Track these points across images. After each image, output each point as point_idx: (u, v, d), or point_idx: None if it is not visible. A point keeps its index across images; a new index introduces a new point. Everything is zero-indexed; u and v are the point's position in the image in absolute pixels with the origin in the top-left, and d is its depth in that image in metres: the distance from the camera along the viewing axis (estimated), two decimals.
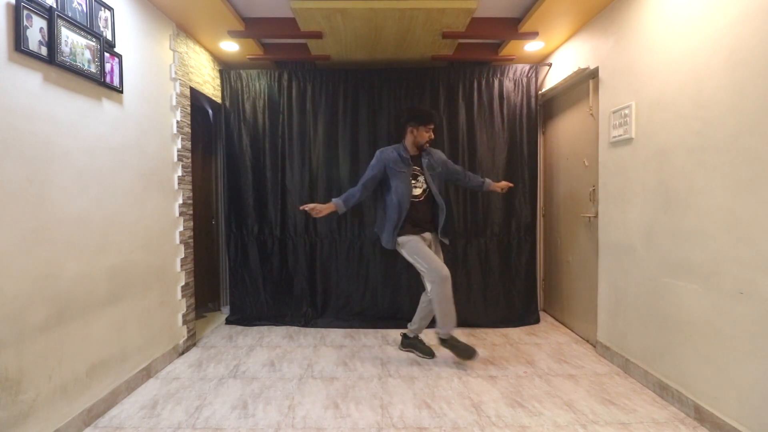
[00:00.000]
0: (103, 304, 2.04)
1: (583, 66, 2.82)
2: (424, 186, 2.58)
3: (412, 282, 3.31)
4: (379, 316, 3.33)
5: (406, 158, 2.55)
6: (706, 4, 1.85)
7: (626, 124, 2.39)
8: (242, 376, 2.44)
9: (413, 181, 2.56)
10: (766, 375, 1.59)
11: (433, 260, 2.42)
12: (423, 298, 2.64)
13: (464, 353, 2.49)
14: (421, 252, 2.45)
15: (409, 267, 3.28)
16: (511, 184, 2.81)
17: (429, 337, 2.81)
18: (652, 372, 2.21)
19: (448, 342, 2.55)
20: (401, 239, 2.52)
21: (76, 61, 1.85)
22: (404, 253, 2.53)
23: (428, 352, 2.67)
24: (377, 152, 2.61)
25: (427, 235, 2.59)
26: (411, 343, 2.74)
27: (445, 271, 2.40)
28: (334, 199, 2.59)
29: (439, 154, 2.70)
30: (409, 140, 2.58)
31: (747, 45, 1.65)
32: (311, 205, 2.52)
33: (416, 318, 2.68)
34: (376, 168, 2.57)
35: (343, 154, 3.40)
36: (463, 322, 3.30)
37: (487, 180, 2.77)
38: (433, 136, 2.60)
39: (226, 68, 3.50)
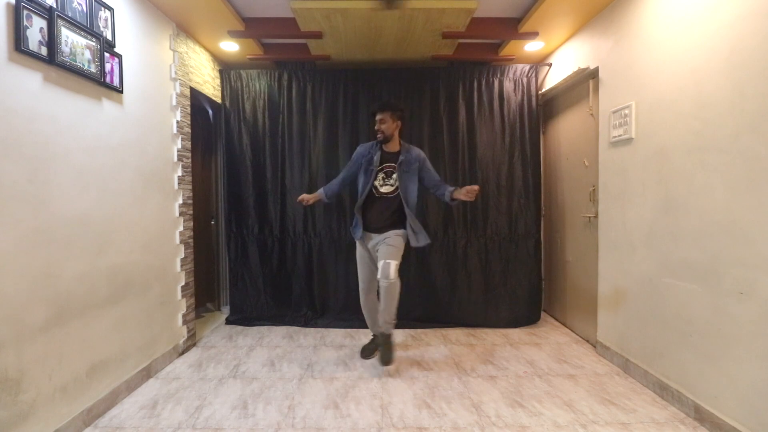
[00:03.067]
0: (103, 304, 2.04)
1: (583, 66, 2.82)
2: (397, 183, 2.50)
3: (411, 282, 3.32)
4: None
5: (375, 154, 2.50)
6: (706, 4, 1.85)
7: (626, 124, 2.39)
8: (242, 376, 2.44)
9: (385, 178, 2.50)
10: (766, 375, 1.59)
11: (361, 275, 2.62)
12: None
13: (385, 357, 2.45)
14: (359, 264, 2.63)
15: (408, 266, 3.29)
16: (476, 188, 2.34)
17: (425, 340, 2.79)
18: (652, 372, 2.21)
19: (377, 340, 2.63)
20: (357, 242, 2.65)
21: (76, 61, 1.85)
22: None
23: (387, 358, 2.46)
24: (358, 150, 2.63)
25: (376, 236, 2.52)
26: (382, 340, 2.56)
27: (364, 285, 2.61)
28: (320, 189, 2.69)
29: (416, 152, 2.56)
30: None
31: (747, 45, 1.65)
32: (300, 197, 2.62)
33: (382, 308, 2.56)
34: (351, 163, 2.63)
35: (342, 154, 3.40)
36: (463, 322, 3.32)
37: (449, 188, 2.50)
38: (379, 127, 2.47)
39: (226, 68, 3.50)
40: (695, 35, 1.91)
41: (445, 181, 3.33)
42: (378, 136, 2.50)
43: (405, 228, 2.53)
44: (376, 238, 2.53)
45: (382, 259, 2.40)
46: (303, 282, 3.44)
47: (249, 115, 3.43)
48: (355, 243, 3.43)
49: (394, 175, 2.50)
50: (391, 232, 2.51)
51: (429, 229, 3.30)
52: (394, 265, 2.38)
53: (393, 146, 2.55)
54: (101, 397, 2.00)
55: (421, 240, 2.53)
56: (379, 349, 2.49)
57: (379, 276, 2.39)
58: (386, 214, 2.52)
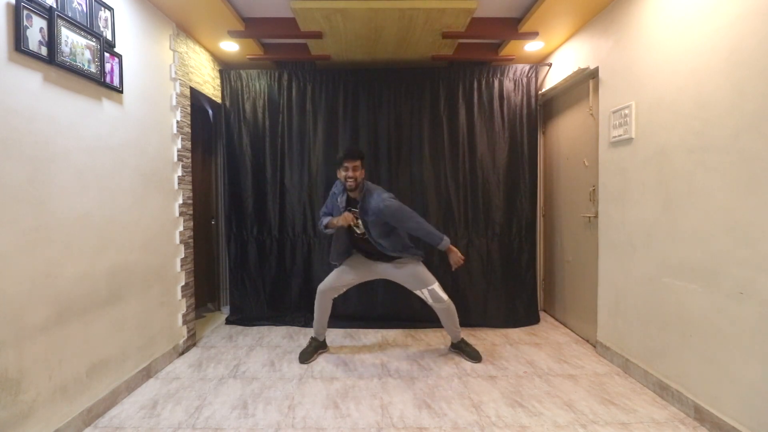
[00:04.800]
0: (103, 304, 2.04)
1: (583, 66, 2.82)
2: (362, 231, 2.50)
3: None
4: (378, 317, 3.33)
5: (341, 199, 2.51)
6: (705, 4, 1.85)
7: (626, 124, 2.39)
8: (242, 376, 2.44)
9: (356, 220, 2.45)
10: (766, 375, 1.59)
11: (333, 277, 2.64)
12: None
13: (475, 355, 2.64)
14: (339, 268, 2.66)
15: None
16: (461, 262, 2.47)
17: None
18: (652, 372, 2.21)
19: (315, 343, 2.73)
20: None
21: (76, 61, 1.85)
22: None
23: (475, 356, 2.64)
24: (332, 190, 2.65)
25: (374, 263, 2.60)
26: (457, 346, 2.74)
27: (326, 283, 2.64)
28: (326, 222, 2.56)
29: (375, 201, 2.36)
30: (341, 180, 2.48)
31: (747, 45, 1.65)
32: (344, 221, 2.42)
33: (445, 326, 2.69)
34: (331, 199, 2.63)
35: None
36: (463, 322, 3.30)
37: (446, 241, 2.44)
38: (354, 174, 2.35)
39: (226, 68, 3.50)
40: (695, 35, 1.91)
41: (446, 180, 3.36)
42: (349, 184, 2.37)
43: (411, 253, 2.54)
44: (379, 265, 2.58)
45: (422, 287, 2.53)
46: (303, 282, 3.44)
47: (249, 115, 3.43)
48: None
49: (360, 221, 2.46)
50: (400, 264, 2.55)
51: None
52: (437, 286, 2.54)
53: (355, 193, 2.46)
54: (101, 397, 2.00)
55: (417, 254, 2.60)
56: (465, 352, 2.67)
57: (431, 302, 2.56)
58: (373, 249, 2.54)
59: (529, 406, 2.08)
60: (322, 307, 2.68)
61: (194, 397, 2.20)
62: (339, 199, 2.53)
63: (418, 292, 2.58)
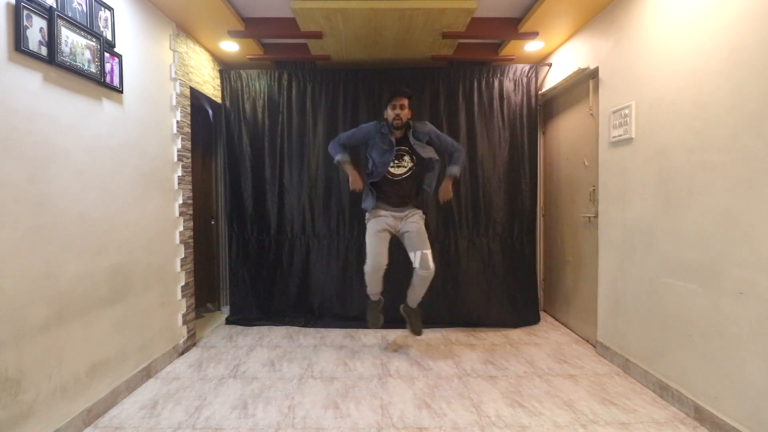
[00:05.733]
0: (103, 303, 2.04)
1: (583, 66, 2.82)
2: (410, 165, 2.56)
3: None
4: None
5: (386, 136, 2.52)
6: (705, 4, 1.85)
7: (626, 124, 2.39)
8: (242, 376, 2.44)
9: (396, 161, 2.54)
10: (766, 375, 1.59)
11: (373, 254, 2.55)
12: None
13: (415, 328, 2.70)
14: (371, 241, 2.57)
15: (408, 266, 3.28)
16: (448, 198, 2.64)
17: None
18: (652, 372, 2.21)
19: (405, 313, 2.75)
20: (368, 216, 2.65)
21: (76, 61, 1.85)
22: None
23: (417, 330, 2.71)
24: (368, 124, 2.63)
25: (396, 215, 2.59)
26: (409, 312, 2.74)
27: (376, 263, 2.53)
28: (342, 159, 2.59)
29: (425, 127, 2.61)
30: (388, 120, 2.53)
31: (747, 45, 1.65)
32: (354, 185, 2.54)
33: (413, 291, 2.68)
34: (360, 133, 2.61)
35: None
36: (464, 322, 3.32)
37: (452, 167, 2.63)
38: (401, 112, 2.46)
39: (226, 68, 3.50)
40: (695, 35, 1.91)
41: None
42: (396, 121, 2.47)
43: (422, 207, 2.66)
44: (396, 214, 2.59)
45: (419, 249, 2.54)
46: (302, 282, 3.44)
47: (249, 115, 3.43)
48: (353, 243, 3.43)
49: (406, 157, 2.55)
50: (414, 214, 2.61)
51: (429, 229, 3.30)
52: (430, 254, 2.55)
53: (399, 132, 2.56)
54: (101, 397, 2.00)
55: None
56: (410, 322, 2.70)
57: (417, 266, 2.54)
58: (403, 192, 2.60)
59: (529, 406, 2.08)
60: (373, 281, 2.60)
61: (194, 397, 2.20)
62: (380, 140, 2.52)
63: (413, 254, 2.55)
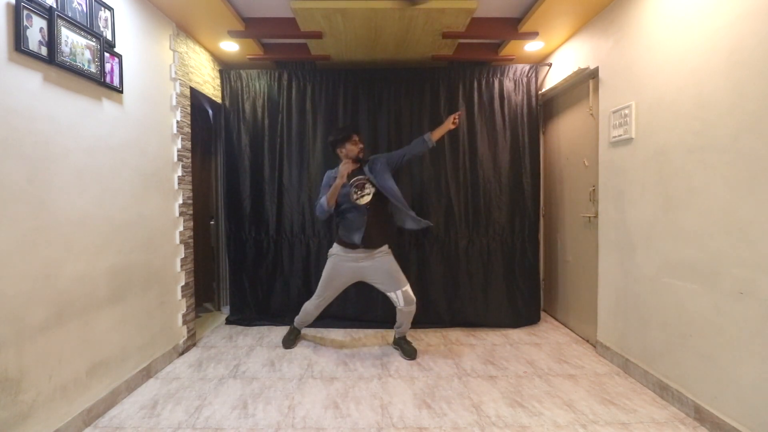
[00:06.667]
0: (103, 304, 2.04)
1: (583, 66, 2.82)
2: (373, 190, 2.57)
3: (412, 282, 3.31)
4: (378, 317, 3.32)
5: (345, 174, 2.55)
6: (706, 4, 1.85)
7: (626, 124, 2.39)
8: (242, 376, 2.44)
9: (358, 192, 2.56)
10: (766, 375, 1.59)
11: (323, 297, 2.75)
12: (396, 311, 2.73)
13: (408, 353, 2.72)
14: (327, 283, 2.71)
15: (408, 266, 3.29)
16: (456, 116, 2.75)
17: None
18: (652, 372, 2.21)
19: (397, 345, 2.84)
20: (333, 254, 2.69)
21: (76, 61, 1.85)
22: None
23: (411, 353, 2.71)
24: (326, 174, 2.70)
25: (360, 257, 2.60)
26: (399, 342, 2.81)
27: (322, 304, 2.79)
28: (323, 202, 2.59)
29: (373, 157, 2.75)
30: (344, 159, 2.61)
31: (747, 45, 1.65)
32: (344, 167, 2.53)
33: (400, 324, 2.77)
34: (325, 187, 2.64)
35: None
36: (464, 322, 3.32)
37: (427, 134, 2.73)
38: (362, 145, 2.66)
39: (226, 68, 3.50)
40: (695, 35, 1.91)
41: (447, 180, 3.36)
42: (360, 154, 2.64)
43: (389, 241, 2.70)
44: (363, 258, 2.60)
45: (398, 288, 2.59)
46: (302, 282, 3.43)
47: (249, 115, 3.43)
48: None
49: (367, 185, 2.58)
50: (383, 254, 2.63)
51: (429, 229, 3.31)
52: (409, 288, 2.64)
53: (355, 164, 2.62)
54: (101, 397, 2.00)
55: (422, 223, 2.66)
56: (402, 350, 2.75)
57: (402, 305, 2.60)
58: (375, 221, 2.58)
59: (529, 406, 2.08)
60: (310, 314, 2.86)
61: (194, 397, 2.20)
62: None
63: (394, 294, 2.60)
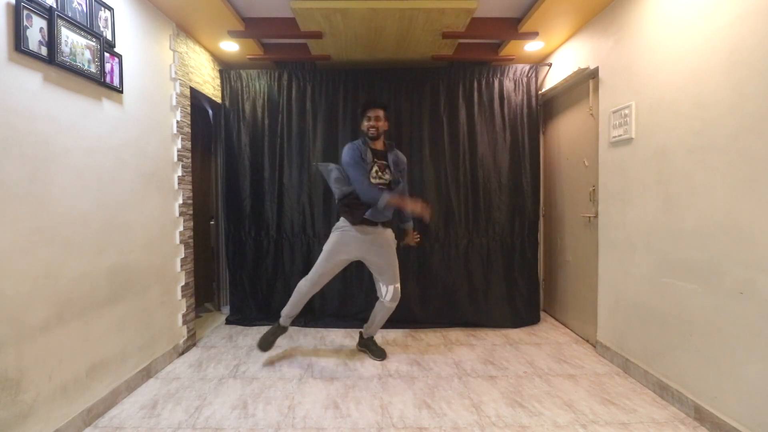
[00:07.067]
0: (103, 304, 2.04)
1: (583, 66, 2.82)
2: (388, 181, 2.48)
3: (412, 282, 3.32)
4: None
5: (365, 151, 2.45)
6: (705, 4, 1.85)
7: (626, 124, 2.39)
8: (242, 376, 2.44)
9: (378, 172, 2.45)
10: (766, 375, 1.59)
11: (320, 273, 2.53)
12: (377, 304, 2.66)
13: (378, 354, 2.70)
14: (326, 262, 2.51)
15: (408, 266, 3.29)
16: (415, 242, 2.76)
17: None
18: (652, 372, 2.21)
19: (363, 347, 2.79)
20: (339, 224, 2.52)
21: (76, 61, 1.85)
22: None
23: (380, 354, 2.70)
24: (347, 148, 2.46)
25: (364, 235, 2.45)
26: (366, 344, 2.78)
27: (318, 283, 2.56)
28: (385, 198, 2.35)
29: (402, 157, 2.60)
30: (364, 131, 2.48)
31: (747, 45, 1.65)
32: (423, 210, 2.36)
33: (373, 322, 2.70)
34: (358, 159, 2.42)
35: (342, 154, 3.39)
36: (464, 322, 3.32)
37: (406, 220, 2.72)
38: (376, 125, 2.42)
39: (226, 68, 3.50)
40: (695, 35, 1.91)
41: (447, 180, 3.36)
42: (371, 132, 2.44)
43: (391, 226, 2.60)
44: (371, 234, 2.45)
45: (391, 283, 2.53)
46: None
47: (249, 115, 3.43)
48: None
49: (386, 173, 2.50)
50: (390, 241, 2.56)
51: (430, 229, 3.31)
52: (399, 285, 2.58)
53: (379, 144, 2.53)
54: (101, 397, 2.00)
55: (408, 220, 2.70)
56: (371, 351, 2.72)
57: (389, 299, 2.55)
58: (390, 207, 2.45)
59: (529, 406, 2.08)
60: (303, 295, 2.59)
61: (194, 397, 2.20)
62: (367, 156, 2.43)
63: (385, 288, 2.52)
